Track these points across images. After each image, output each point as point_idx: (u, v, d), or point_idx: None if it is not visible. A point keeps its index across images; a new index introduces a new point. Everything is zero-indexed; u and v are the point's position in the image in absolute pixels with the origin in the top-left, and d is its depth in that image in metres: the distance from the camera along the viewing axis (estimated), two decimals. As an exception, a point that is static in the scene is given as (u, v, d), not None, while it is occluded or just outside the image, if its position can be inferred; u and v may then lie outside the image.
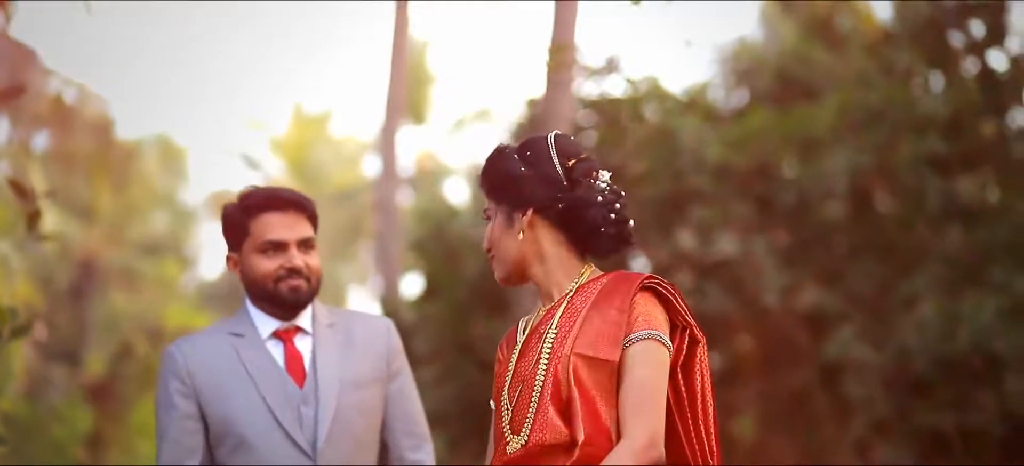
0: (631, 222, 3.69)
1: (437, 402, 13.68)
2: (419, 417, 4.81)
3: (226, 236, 4.72)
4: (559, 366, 3.52)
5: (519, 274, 3.71)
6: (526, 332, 3.70)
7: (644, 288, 3.60)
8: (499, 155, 3.74)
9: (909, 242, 13.55)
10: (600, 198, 3.64)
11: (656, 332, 3.55)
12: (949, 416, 12.22)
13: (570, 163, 3.67)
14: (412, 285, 18.92)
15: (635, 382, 3.50)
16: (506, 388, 3.64)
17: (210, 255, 46.08)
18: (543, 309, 3.70)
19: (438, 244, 15.33)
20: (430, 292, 15.41)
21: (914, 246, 13.50)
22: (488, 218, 3.74)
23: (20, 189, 5.61)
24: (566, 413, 3.49)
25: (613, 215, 3.65)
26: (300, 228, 4.64)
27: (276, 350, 4.64)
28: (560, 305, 3.64)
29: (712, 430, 3.62)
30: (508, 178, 3.68)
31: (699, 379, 3.62)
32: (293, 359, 4.63)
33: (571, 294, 3.65)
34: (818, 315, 13.43)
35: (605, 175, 3.68)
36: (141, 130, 36.83)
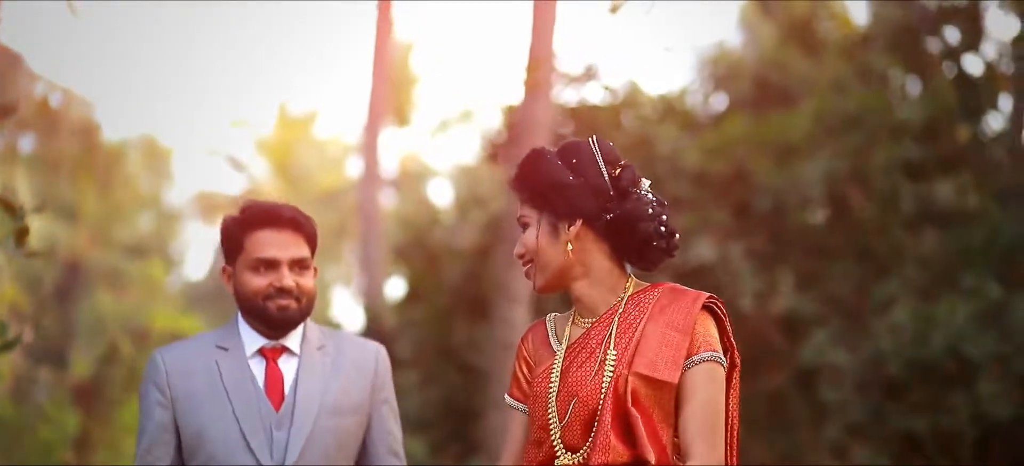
0: (677, 234, 3.64)
1: (419, 406, 13.79)
2: (398, 448, 4.71)
3: (223, 247, 4.64)
4: (620, 384, 3.47)
5: (560, 284, 3.63)
6: (563, 342, 3.64)
7: (704, 308, 3.56)
8: (541, 160, 3.63)
9: (884, 246, 13.65)
10: (650, 210, 3.56)
11: (717, 354, 3.52)
12: (923, 419, 12.34)
13: (616, 172, 3.59)
14: (396, 288, 19.01)
15: (701, 405, 3.47)
16: (553, 398, 3.56)
17: (195, 255, 46.06)
18: (584, 320, 3.64)
19: (420, 250, 15.39)
20: (412, 297, 15.46)
21: (889, 250, 13.60)
22: (525, 224, 3.64)
23: (9, 205, 5.66)
24: (626, 433, 3.46)
25: (663, 228, 3.58)
26: (295, 247, 4.55)
27: (258, 368, 4.56)
28: (611, 319, 3.58)
29: (736, 450, 3.61)
30: (555, 186, 3.59)
31: (732, 402, 3.59)
32: (273, 379, 4.54)
33: (622, 309, 3.59)
34: (794, 319, 13.52)
35: (645, 183, 3.62)
36: (126, 131, 36.88)
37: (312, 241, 4.63)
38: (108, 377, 20.83)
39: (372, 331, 14.39)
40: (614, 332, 3.56)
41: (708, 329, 3.54)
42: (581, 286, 3.62)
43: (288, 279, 4.50)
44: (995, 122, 14.69)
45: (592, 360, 3.56)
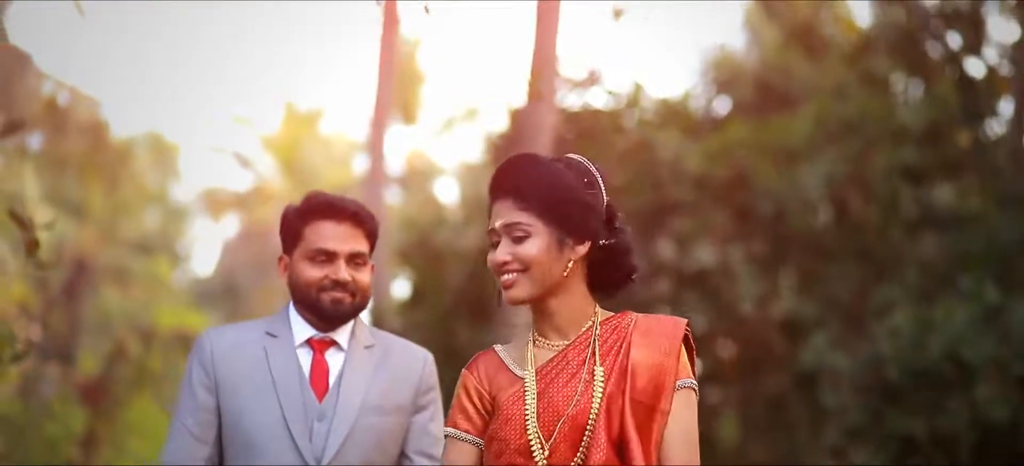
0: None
1: (422, 407, 13.84)
2: (436, 452, 4.64)
3: (281, 236, 4.63)
4: (613, 407, 3.46)
5: (541, 299, 3.54)
6: (528, 366, 3.57)
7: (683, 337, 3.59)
8: (552, 171, 3.55)
9: (884, 250, 13.70)
10: (632, 244, 3.61)
11: (694, 382, 3.56)
12: (921, 422, 12.39)
13: (607, 199, 3.59)
14: (402, 288, 19.07)
15: (685, 431, 3.52)
16: (533, 420, 3.48)
17: (202, 252, 46.15)
18: (551, 343, 3.59)
19: (423, 252, 15.43)
20: (416, 299, 15.50)
21: (889, 254, 13.66)
22: (524, 234, 3.52)
23: (19, 220, 5.74)
24: (619, 453, 3.46)
25: (635, 261, 3.64)
26: (354, 241, 4.53)
27: (305, 358, 4.53)
28: (588, 340, 3.57)
29: None
30: (577, 203, 3.52)
31: None
32: (319, 370, 4.52)
33: (598, 332, 3.57)
34: (794, 322, 13.57)
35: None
36: (133, 128, 36.91)
37: (372, 237, 4.62)
38: (115, 375, 20.89)
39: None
40: (597, 352, 3.54)
41: (685, 358, 3.58)
42: (557, 304, 3.56)
43: (344, 272, 4.50)
44: (997, 126, 14.73)
45: (576, 380, 3.53)
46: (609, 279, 3.62)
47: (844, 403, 12.72)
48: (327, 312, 4.51)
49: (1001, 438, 12.33)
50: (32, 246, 5.80)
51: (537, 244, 3.51)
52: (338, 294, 4.49)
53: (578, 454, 3.46)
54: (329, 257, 4.51)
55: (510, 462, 3.52)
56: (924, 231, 13.77)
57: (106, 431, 20.36)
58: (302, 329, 4.57)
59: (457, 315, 14.42)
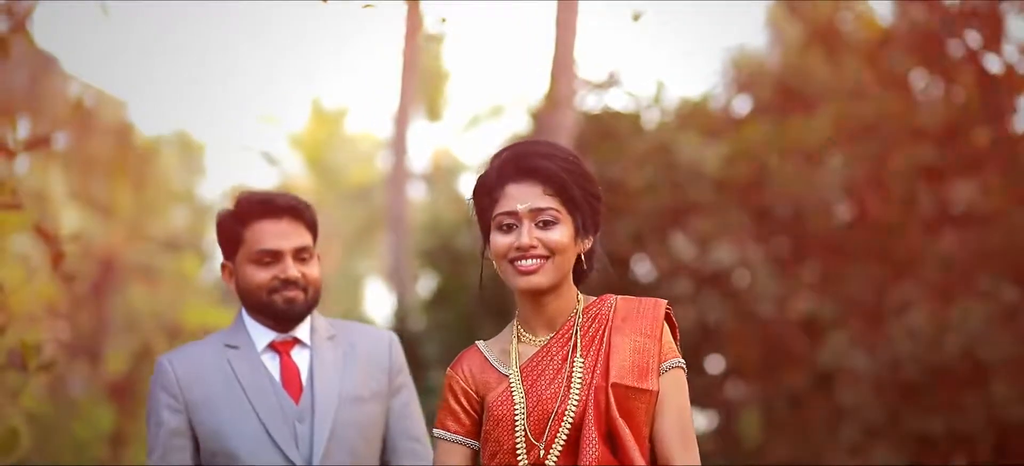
0: None
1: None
2: (422, 435, 4.57)
3: (220, 244, 4.53)
4: (599, 399, 3.46)
5: (553, 289, 3.55)
6: (513, 364, 3.56)
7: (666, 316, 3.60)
8: (583, 166, 3.57)
9: (902, 249, 13.71)
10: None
11: (681, 361, 3.56)
12: (938, 421, 12.42)
13: None
14: (427, 287, 19.15)
15: (679, 412, 3.50)
16: (523, 419, 3.48)
17: (228, 250, 46.32)
18: (536, 338, 3.59)
19: (445, 254, 15.47)
20: (439, 299, 15.56)
21: (907, 253, 13.67)
22: (553, 221, 3.51)
23: (45, 234, 5.83)
24: (611, 443, 3.45)
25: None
26: (296, 236, 4.43)
27: (272, 363, 4.43)
28: (570, 332, 3.57)
29: None
30: (597, 197, 3.58)
31: None
32: (289, 373, 4.42)
33: (580, 321, 3.58)
34: (813, 322, 13.59)
35: None
36: (160, 126, 37.07)
37: (313, 228, 4.51)
38: (142, 374, 21.01)
39: (400, 332, 14.57)
40: (579, 344, 3.55)
41: (669, 336, 3.59)
42: (554, 296, 3.57)
43: (293, 269, 4.41)
44: (1016, 124, 14.72)
45: (561, 376, 3.53)
46: (579, 280, 3.67)
47: (862, 402, 12.74)
48: (281, 312, 4.43)
49: (1018, 437, 12.35)
50: (57, 259, 5.89)
51: (563, 232, 3.52)
52: (290, 293, 4.42)
53: (571, 451, 3.47)
54: (274, 257, 4.42)
55: (505, 462, 3.52)
56: (943, 229, 13.77)
57: (134, 429, 20.49)
58: (261, 334, 4.49)
59: (479, 317, 14.46)
